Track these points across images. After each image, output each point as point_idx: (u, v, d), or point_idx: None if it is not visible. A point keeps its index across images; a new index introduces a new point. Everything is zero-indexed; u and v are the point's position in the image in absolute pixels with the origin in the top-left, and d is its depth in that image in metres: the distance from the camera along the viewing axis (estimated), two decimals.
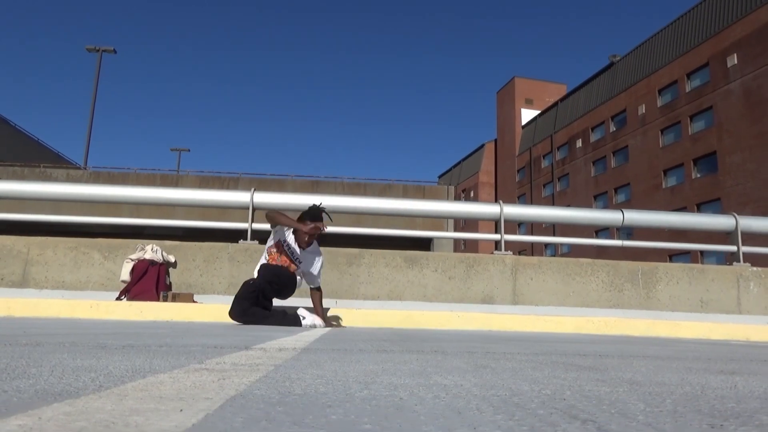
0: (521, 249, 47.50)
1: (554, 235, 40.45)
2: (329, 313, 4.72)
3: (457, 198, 57.26)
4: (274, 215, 4.23)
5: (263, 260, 4.26)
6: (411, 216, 6.18)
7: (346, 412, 0.78)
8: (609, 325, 4.92)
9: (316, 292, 4.41)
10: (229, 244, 5.47)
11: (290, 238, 4.26)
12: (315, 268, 4.35)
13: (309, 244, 4.26)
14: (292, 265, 4.21)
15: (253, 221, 5.70)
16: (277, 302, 4.36)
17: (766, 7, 27.15)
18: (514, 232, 45.97)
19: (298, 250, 4.24)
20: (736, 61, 28.61)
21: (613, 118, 39.20)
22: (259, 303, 4.08)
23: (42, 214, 6.18)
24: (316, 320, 4.14)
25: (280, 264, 4.18)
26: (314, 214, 4.25)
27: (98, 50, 24.53)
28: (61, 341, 1.95)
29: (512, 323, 4.85)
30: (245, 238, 5.63)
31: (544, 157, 48.88)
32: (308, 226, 4.14)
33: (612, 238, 35.32)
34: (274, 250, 4.25)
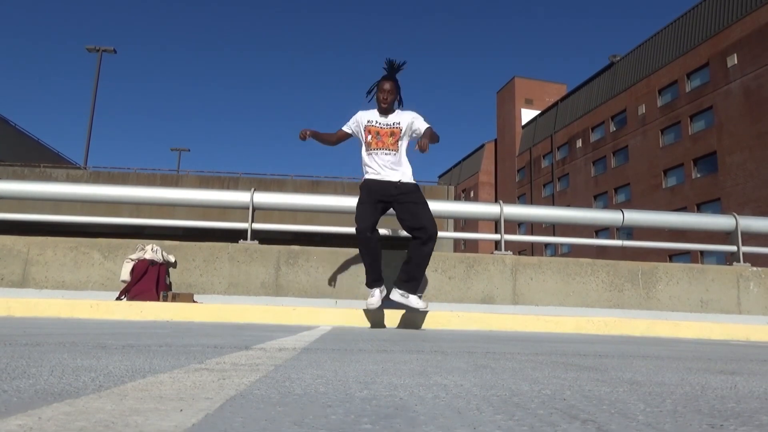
0: (521, 249, 47.50)
1: (554, 235, 40.46)
2: (329, 314, 4.70)
3: (457, 198, 57.29)
4: (323, 137, 4.36)
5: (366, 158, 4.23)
6: None
7: (346, 412, 0.78)
8: (609, 325, 4.92)
9: (429, 131, 4.16)
10: (229, 244, 5.47)
11: (372, 117, 4.25)
12: (414, 118, 4.26)
13: (388, 105, 4.21)
14: (395, 130, 4.21)
15: (253, 221, 5.70)
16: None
17: (766, 7, 27.15)
18: (514, 232, 46.01)
19: (386, 118, 4.24)
20: (736, 61, 28.62)
21: (613, 118, 39.20)
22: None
23: (42, 214, 6.17)
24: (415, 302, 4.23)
25: (386, 148, 4.17)
26: (380, 80, 4.24)
27: (98, 50, 24.53)
28: (61, 341, 1.95)
29: (512, 323, 4.85)
30: (245, 238, 5.63)
31: (544, 157, 48.89)
32: (380, 93, 4.19)
33: (612, 238, 35.35)
34: (369, 137, 4.21)
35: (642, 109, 35.90)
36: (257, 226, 5.68)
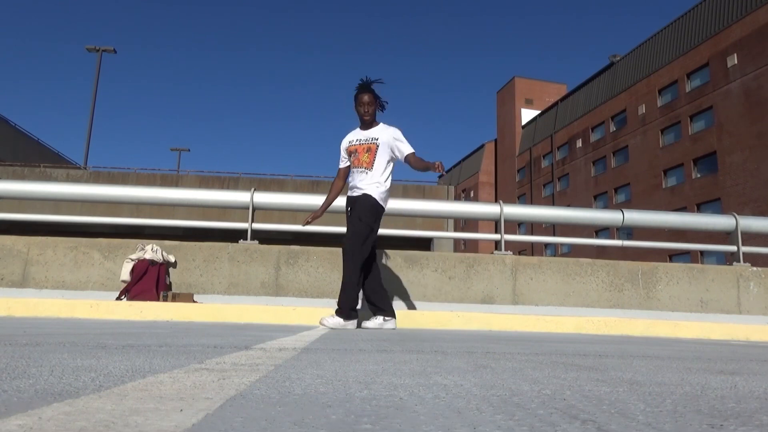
0: (521, 249, 47.51)
1: (554, 235, 40.46)
2: (329, 314, 4.70)
3: (457, 198, 57.29)
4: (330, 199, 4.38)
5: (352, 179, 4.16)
6: (411, 216, 6.18)
7: (346, 412, 0.78)
8: (609, 325, 4.92)
9: (412, 158, 4.02)
10: (229, 244, 5.47)
11: (353, 137, 4.19)
12: (395, 137, 4.08)
13: (371, 117, 4.11)
14: (371, 146, 4.06)
15: (253, 221, 5.70)
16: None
17: (766, 7, 27.15)
18: (514, 232, 46.05)
19: (365, 134, 4.14)
20: (736, 61, 28.62)
21: (613, 118, 39.20)
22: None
23: (42, 214, 6.18)
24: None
25: (361, 166, 4.06)
26: (357, 94, 4.15)
27: (98, 50, 24.53)
28: (61, 341, 1.95)
29: (512, 323, 4.85)
30: (245, 238, 5.63)
31: (544, 157, 48.89)
32: (359, 107, 4.11)
33: (612, 238, 35.35)
34: (352, 157, 4.14)
35: (642, 109, 35.89)
36: (257, 226, 5.69)
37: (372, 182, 4.02)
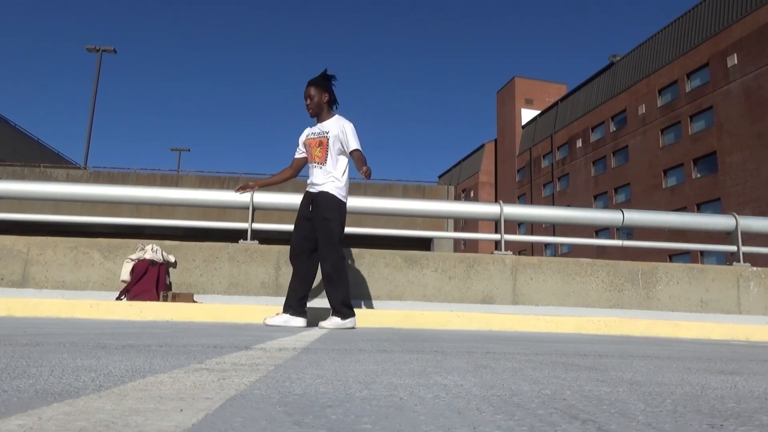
0: (521, 249, 47.52)
1: (554, 235, 40.46)
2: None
3: (457, 198, 57.28)
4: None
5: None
6: (411, 216, 6.18)
7: (346, 412, 0.78)
8: (609, 325, 4.92)
9: (356, 154, 3.95)
10: (229, 244, 5.47)
11: (309, 131, 4.21)
12: (343, 131, 4.02)
13: (312, 110, 4.10)
14: (323, 140, 4.05)
15: (253, 221, 5.70)
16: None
17: (766, 7, 27.15)
18: (514, 232, 46.03)
19: (318, 127, 4.13)
20: (736, 61, 28.62)
21: (613, 118, 39.20)
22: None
23: (42, 214, 6.18)
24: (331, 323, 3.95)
25: (314, 161, 4.06)
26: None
27: (98, 50, 24.54)
28: (61, 341, 1.95)
29: (512, 323, 4.85)
30: (245, 238, 5.63)
31: (544, 157, 48.89)
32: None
33: (612, 238, 35.34)
34: (309, 148, 4.13)
35: (642, 109, 35.90)
36: (257, 226, 5.68)
37: (327, 177, 4.02)
